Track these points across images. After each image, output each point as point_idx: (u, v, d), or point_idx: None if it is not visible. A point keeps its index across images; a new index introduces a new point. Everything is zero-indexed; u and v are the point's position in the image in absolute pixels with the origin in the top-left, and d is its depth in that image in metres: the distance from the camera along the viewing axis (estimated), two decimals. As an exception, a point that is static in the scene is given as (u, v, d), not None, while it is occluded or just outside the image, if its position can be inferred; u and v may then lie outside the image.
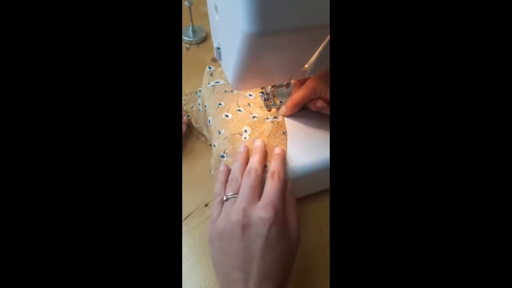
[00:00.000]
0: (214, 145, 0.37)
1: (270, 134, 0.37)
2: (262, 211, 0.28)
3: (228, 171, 0.34)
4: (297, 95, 0.36)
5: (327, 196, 0.43)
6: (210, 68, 0.44)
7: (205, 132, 0.45)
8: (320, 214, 0.41)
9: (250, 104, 0.40)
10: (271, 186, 0.30)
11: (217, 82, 0.42)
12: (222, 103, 0.39)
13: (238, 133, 0.37)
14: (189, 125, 0.48)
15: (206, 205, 0.41)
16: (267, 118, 0.38)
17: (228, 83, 0.41)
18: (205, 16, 0.33)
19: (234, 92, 0.40)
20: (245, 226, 0.27)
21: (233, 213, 0.28)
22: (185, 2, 0.55)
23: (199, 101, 0.45)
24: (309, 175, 0.36)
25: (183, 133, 0.46)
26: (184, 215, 0.40)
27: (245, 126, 0.37)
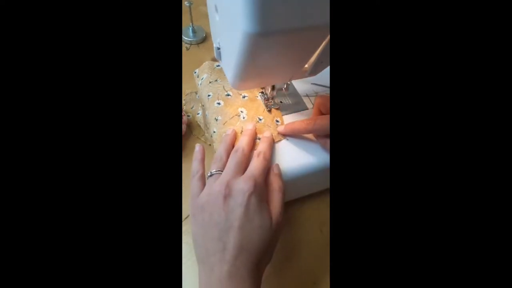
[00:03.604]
0: (214, 132, 0.38)
1: (264, 109, 0.39)
2: (243, 182, 0.29)
3: (203, 150, 0.35)
4: (300, 125, 0.35)
5: (327, 196, 0.43)
6: (195, 72, 0.45)
7: (207, 134, 0.46)
8: (320, 214, 0.41)
9: None
10: (255, 164, 0.31)
11: (202, 79, 0.43)
12: (211, 93, 0.41)
13: (236, 115, 0.38)
14: (189, 125, 0.48)
15: (206, 205, 0.41)
16: (257, 96, 0.40)
17: (210, 74, 0.42)
18: (205, 16, 0.33)
19: (218, 81, 0.42)
20: (226, 196, 0.29)
21: (216, 185, 0.30)
22: (185, 2, 0.55)
23: (200, 104, 0.45)
24: (309, 175, 0.36)
25: (183, 133, 0.46)
26: (184, 215, 0.40)
27: (240, 108, 0.39)
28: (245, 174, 0.31)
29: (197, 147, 0.35)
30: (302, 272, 0.37)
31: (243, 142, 0.33)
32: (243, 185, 0.29)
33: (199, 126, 0.48)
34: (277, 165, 0.34)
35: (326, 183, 0.41)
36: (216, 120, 0.38)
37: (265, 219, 0.29)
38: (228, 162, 0.32)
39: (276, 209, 0.30)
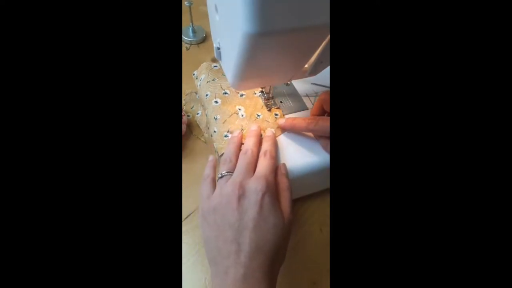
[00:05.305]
0: (215, 131, 0.38)
1: (262, 106, 0.39)
2: (255, 182, 0.29)
3: (216, 160, 0.35)
4: (301, 123, 0.35)
5: (327, 196, 0.43)
6: (194, 74, 0.46)
7: (206, 134, 0.46)
8: (320, 214, 0.41)
9: None
10: (264, 163, 0.32)
11: (201, 79, 0.43)
12: (209, 92, 0.41)
13: (235, 113, 0.38)
14: (189, 125, 0.48)
15: (206, 205, 0.41)
16: (255, 93, 0.40)
17: (208, 74, 0.43)
18: (205, 16, 0.33)
19: (216, 80, 0.42)
20: (240, 196, 0.29)
21: (228, 185, 0.30)
22: (185, 2, 0.55)
23: (199, 104, 0.45)
24: (309, 175, 0.36)
25: (183, 133, 0.46)
26: (184, 215, 0.40)
27: (238, 105, 0.39)
28: (255, 174, 0.31)
29: (211, 157, 0.35)
30: (302, 272, 0.37)
31: (250, 143, 0.34)
32: (256, 185, 0.29)
33: (199, 126, 0.48)
34: (284, 164, 0.34)
35: (326, 183, 0.41)
36: (215, 119, 0.38)
37: (278, 218, 0.29)
38: (238, 164, 0.32)
39: (287, 207, 0.30)
